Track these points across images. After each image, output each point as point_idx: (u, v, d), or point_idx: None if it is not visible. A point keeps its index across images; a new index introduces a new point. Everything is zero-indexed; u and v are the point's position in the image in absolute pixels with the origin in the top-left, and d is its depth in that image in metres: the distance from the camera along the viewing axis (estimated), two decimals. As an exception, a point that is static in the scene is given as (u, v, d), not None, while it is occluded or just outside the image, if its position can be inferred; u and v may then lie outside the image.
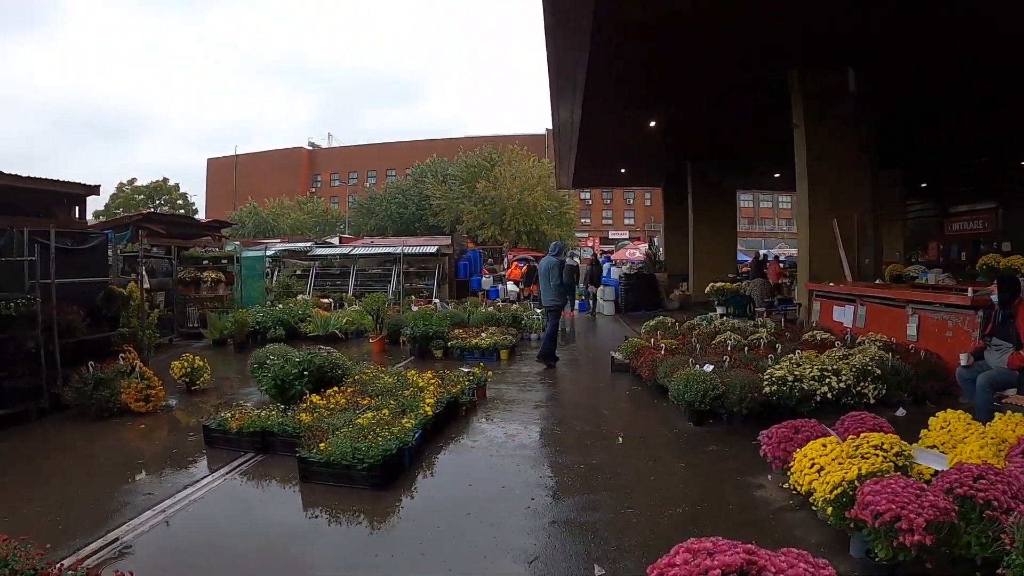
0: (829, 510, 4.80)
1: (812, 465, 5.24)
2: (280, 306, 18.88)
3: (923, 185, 32.24)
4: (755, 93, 17.59)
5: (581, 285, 25.90)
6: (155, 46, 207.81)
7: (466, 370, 9.87)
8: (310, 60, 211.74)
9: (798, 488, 5.25)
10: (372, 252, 28.01)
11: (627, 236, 77.06)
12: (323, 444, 6.29)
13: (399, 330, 15.43)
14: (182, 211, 67.33)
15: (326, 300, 22.88)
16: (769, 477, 6.21)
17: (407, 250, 26.56)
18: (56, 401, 9.42)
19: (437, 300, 22.19)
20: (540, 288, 13.76)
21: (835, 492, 4.79)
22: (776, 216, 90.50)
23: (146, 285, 15.92)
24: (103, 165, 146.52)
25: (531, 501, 5.91)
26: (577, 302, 25.39)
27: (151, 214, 19.17)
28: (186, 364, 11.01)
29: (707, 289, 18.50)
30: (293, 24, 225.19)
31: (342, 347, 15.66)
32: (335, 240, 31.70)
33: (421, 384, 8.75)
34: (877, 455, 5.13)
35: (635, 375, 11.12)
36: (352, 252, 27.95)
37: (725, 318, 15.45)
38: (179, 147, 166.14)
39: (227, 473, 6.75)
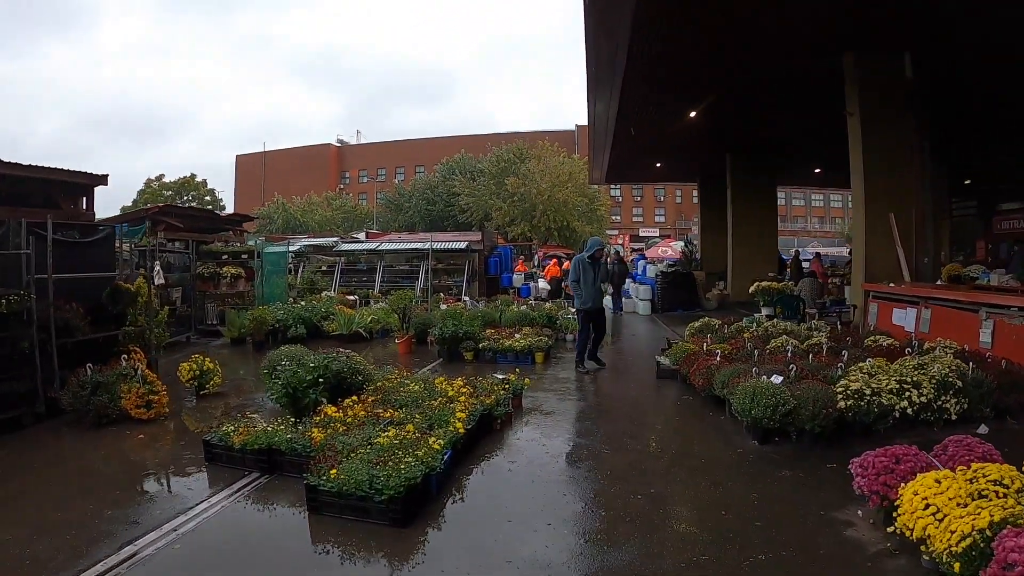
0: (956, 566, 3.89)
1: (927, 507, 4.28)
2: (303, 303, 18.06)
3: (967, 182, 30.85)
4: (803, 80, 16.76)
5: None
6: (186, 47, 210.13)
7: (500, 377, 8.87)
8: (339, 60, 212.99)
9: (907, 533, 4.33)
10: (400, 248, 27.13)
11: (658, 234, 75.78)
12: (334, 471, 5.33)
13: (427, 330, 14.56)
14: (209, 207, 67.43)
15: (351, 297, 22.11)
16: (859, 512, 5.22)
17: (436, 246, 25.65)
18: (53, 405, 8.70)
19: (467, 298, 21.26)
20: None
21: (963, 544, 3.89)
22: (808, 215, 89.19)
23: (160, 281, 15.22)
24: (135, 164, 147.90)
25: (583, 544, 4.92)
26: (611, 301, 24.55)
27: (167, 207, 18.32)
28: (195, 366, 10.17)
29: (752, 288, 17.37)
30: (322, 24, 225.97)
31: (366, 347, 14.99)
32: (362, 235, 30.75)
33: (451, 393, 7.81)
34: (999, 492, 4.21)
35: (684, 382, 10.09)
36: (379, 248, 27.08)
37: (775, 320, 14.39)
38: (210, 146, 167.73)
39: (226, 498, 5.85)
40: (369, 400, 7.75)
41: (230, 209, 79.38)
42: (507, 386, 8.51)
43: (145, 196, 65.20)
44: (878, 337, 11.09)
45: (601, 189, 55.23)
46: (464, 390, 7.96)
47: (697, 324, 13.62)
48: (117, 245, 13.82)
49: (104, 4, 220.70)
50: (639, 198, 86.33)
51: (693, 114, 19.66)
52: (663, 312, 23.28)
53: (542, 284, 28.86)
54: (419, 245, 25.93)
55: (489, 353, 12.82)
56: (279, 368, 7.94)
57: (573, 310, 17.81)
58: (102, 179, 12.46)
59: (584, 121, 25.13)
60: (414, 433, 6.17)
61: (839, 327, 13.45)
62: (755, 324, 13.49)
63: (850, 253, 31.91)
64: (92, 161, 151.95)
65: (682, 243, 38.63)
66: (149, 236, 16.78)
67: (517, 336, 13.35)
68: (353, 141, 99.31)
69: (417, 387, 8.19)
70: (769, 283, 17.30)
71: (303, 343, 15.38)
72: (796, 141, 24.04)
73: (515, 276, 27.91)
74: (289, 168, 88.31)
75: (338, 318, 16.49)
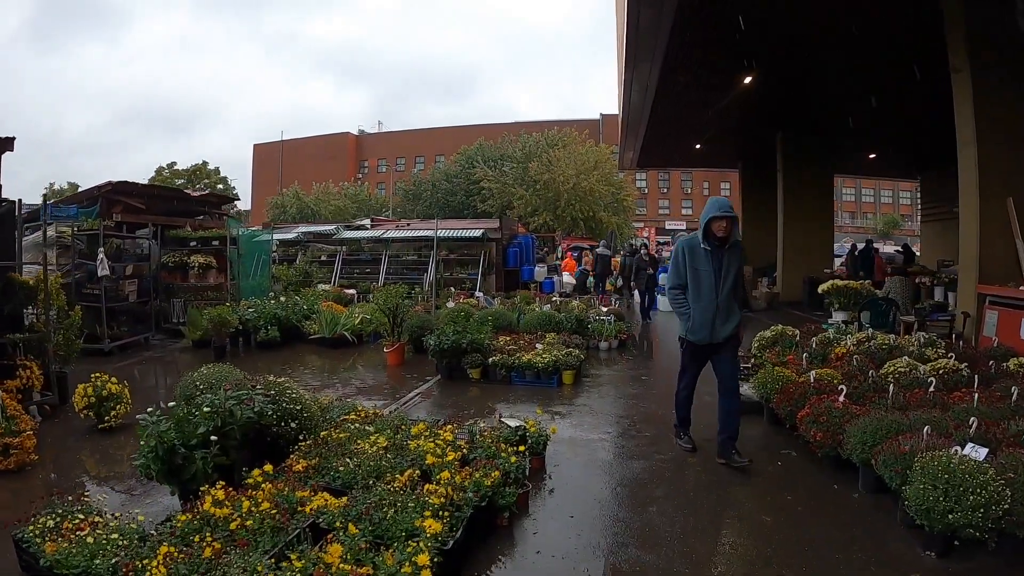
0: None
1: None
2: (283, 299, 15.18)
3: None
4: (877, 38, 14.25)
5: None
6: (218, 44, 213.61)
7: (513, 424, 5.81)
8: (365, 55, 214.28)
9: None
10: (406, 236, 23.98)
11: (685, 227, 72.73)
12: None
13: (426, 335, 11.53)
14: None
15: (350, 291, 19.38)
16: None
17: (447, 234, 22.60)
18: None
19: (480, 294, 18.23)
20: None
21: None
22: (840, 209, 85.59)
23: (104, 271, 12.56)
24: (164, 156, 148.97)
25: None
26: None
27: (124, 184, 15.15)
28: (91, 391, 7.31)
29: (822, 288, 14.22)
30: (349, 22, 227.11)
31: (351, 355, 12.49)
32: (366, 222, 27.60)
33: (431, 459, 4.85)
34: None
35: (779, 424, 7.17)
36: (384, 236, 24.05)
37: (867, 329, 11.30)
38: (237, 139, 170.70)
39: None
40: (298, 468, 4.83)
41: (245, 199, 78.19)
42: (521, 448, 5.40)
43: (156, 183, 63.06)
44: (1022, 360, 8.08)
45: (627, 179, 52.49)
46: (453, 455, 4.95)
47: (768, 334, 10.54)
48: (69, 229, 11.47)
49: (140, 3, 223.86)
50: (665, 190, 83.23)
51: (748, 80, 16.78)
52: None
53: (567, 278, 25.92)
54: (428, 233, 22.83)
55: (501, 370, 9.75)
56: (144, 419, 4.87)
57: (605, 310, 14.98)
58: (7, 143, 9.60)
59: (609, 110, 22.43)
60: (339, 567, 3.24)
61: (958, 343, 10.20)
62: (843, 334, 10.47)
63: (903, 249, 28.93)
64: (123, 155, 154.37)
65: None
66: (102, 218, 13.99)
67: (538, 347, 10.30)
68: (374, 132, 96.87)
69: (383, 441, 5.26)
70: (846, 282, 14.11)
71: (277, 349, 12.97)
72: (856, 119, 21.01)
73: (537, 269, 24.76)
74: (306, 157, 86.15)
75: (321, 318, 13.63)
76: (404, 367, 11.09)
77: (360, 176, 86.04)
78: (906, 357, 8.10)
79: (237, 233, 16.53)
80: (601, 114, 75.85)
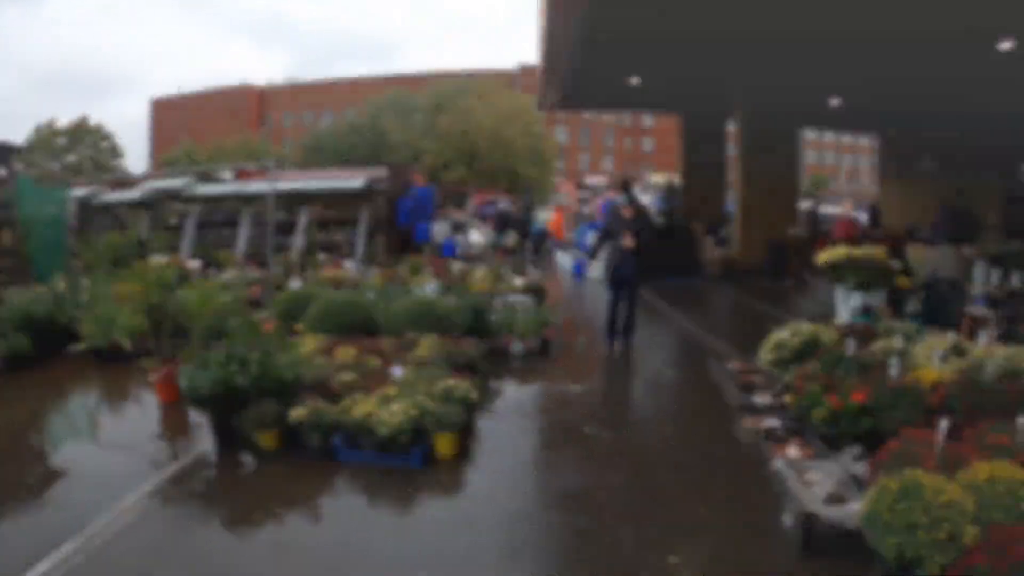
0: None
1: None
2: (62, 284, 10.29)
3: None
4: None
5: None
6: (136, 8, 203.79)
7: None
8: (284, 18, 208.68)
9: None
10: (269, 190, 18.94)
11: (605, 182, 69.71)
12: None
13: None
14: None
15: (194, 263, 14.55)
16: None
17: (317, 185, 17.95)
18: None
19: (350, 263, 13.56)
20: None
21: None
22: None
23: None
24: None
25: None
26: (572, 264, 18.57)
27: None
28: None
29: (826, 257, 9.78)
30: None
31: (122, 380, 7.92)
32: (227, 175, 22.39)
33: None
34: None
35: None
36: (245, 191, 19.06)
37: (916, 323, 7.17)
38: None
39: None
40: None
41: (138, 159, 75.75)
42: None
43: (36, 145, 58.61)
44: None
45: (546, 131, 51.29)
46: None
47: (790, 337, 6.27)
48: None
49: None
50: (585, 144, 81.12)
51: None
52: (647, 282, 15.84)
53: (474, 237, 21.44)
54: (297, 185, 17.97)
55: (315, 434, 4.93)
56: None
57: (519, 284, 10.84)
58: None
59: (528, 60, 18.13)
60: None
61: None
62: (911, 339, 6.36)
63: (870, 211, 25.15)
64: (36, 121, 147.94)
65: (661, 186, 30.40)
66: None
67: (396, 375, 5.66)
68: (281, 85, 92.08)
69: None
70: (865, 251, 9.64)
71: (25, 366, 8.21)
72: (823, 61, 17.08)
73: (436, 228, 19.64)
74: (208, 112, 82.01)
75: (95, 316, 8.71)
76: (178, 409, 6.39)
77: (264, 131, 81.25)
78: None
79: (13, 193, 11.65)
80: (520, 64, 71.51)
